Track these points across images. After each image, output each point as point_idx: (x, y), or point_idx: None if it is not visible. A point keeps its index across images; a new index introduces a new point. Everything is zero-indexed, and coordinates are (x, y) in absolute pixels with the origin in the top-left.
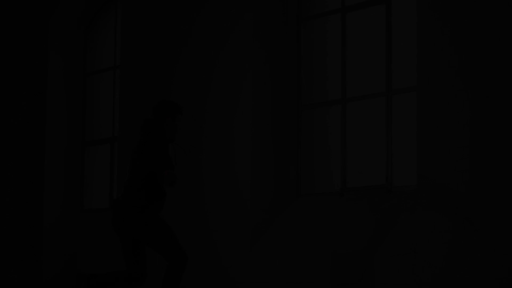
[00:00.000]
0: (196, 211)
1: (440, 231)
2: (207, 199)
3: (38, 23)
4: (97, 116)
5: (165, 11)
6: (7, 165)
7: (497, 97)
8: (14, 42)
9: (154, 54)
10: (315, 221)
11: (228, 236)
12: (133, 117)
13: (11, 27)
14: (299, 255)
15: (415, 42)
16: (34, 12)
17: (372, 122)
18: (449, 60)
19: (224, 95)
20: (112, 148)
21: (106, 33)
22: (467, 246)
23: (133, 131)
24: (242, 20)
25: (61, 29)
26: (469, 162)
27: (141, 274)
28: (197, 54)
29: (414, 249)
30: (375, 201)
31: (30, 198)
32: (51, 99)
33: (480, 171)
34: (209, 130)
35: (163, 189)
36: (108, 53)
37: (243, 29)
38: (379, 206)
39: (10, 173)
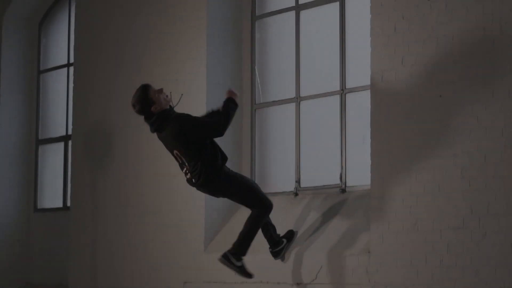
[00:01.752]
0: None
1: (393, 232)
2: (163, 197)
3: None
4: (51, 114)
5: (119, 7)
6: None
7: (449, 95)
8: None
9: (108, 50)
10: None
11: (183, 235)
12: (86, 115)
13: None
14: (253, 254)
15: (368, 41)
16: None
17: (326, 121)
18: (402, 58)
19: (178, 94)
20: (65, 146)
21: (59, 30)
22: (420, 246)
23: (86, 129)
24: (197, 20)
25: (14, 26)
26: (423, 162)
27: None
28: (150, 51)
29: (368, 249)
30: (329, 201)
31: None
32: (4, 97)
33: (432, 171)
34: None
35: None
36: (61, 50)
37: (197, 27)
38: (333, 205)
39: None
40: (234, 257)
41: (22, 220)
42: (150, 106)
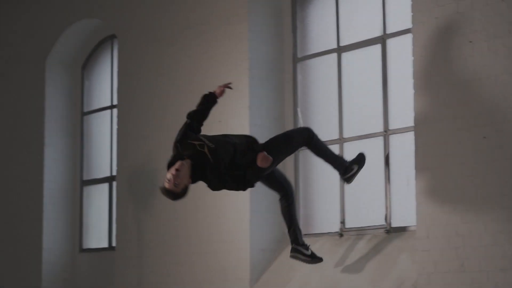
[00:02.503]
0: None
1: (439, 273)
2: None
3: (35, 61)
4: (95, 155)
5: (162, 49)
6: (8, 205)
7: (493, 136)
8: (11, 82)
9: (151, 92)
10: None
11: (229, 276)
12: (130, 156)
13: (9, 66)
14: None
15: (411, 81)
16: (31, 50)
17: (369, 162)
18: (445, 99)
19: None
20: (110, 187)
21: (102, 72)
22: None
23: (130, 170)
24: (239, 61)
25: (57, 68)
26: (468, 203)
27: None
28: (194, 93)
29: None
30: (374, 241)
31: (30, 238)
32: (49, 139)
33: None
34: None
35: None
36: (104, 92)
37: (240, 68)
38: (378, 246)
39: (11, 212)
40: (303, 247)
41: (68, 260)
42: (186, 190)
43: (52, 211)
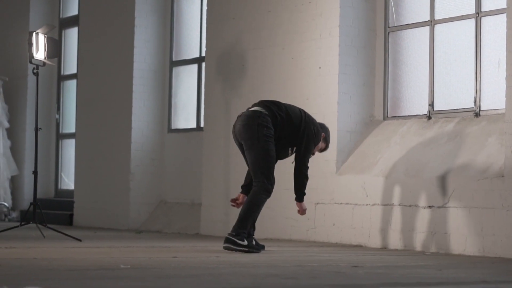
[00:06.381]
0: None
1: None
2: None
3: None
4: (185, 36)
5: None
6: (99, 86)
7: None
8: None
9: None
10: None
11: (315, 157)
12: (220, 37)
13: None
14: (385, 177)
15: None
16: None
17: (460, 44)
18: None
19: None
20: (199, 68)
21: None
22: None
23: (219, 51)
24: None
25: None
26: None
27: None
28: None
29: (502, 173)
30: (463, 124)
31: (120, 117)
32: (139, 19)
33: None
34: None
35: None
36: None
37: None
38: (467, 129)
39: (102, 92)
40: (237, 238)
41: (157, 141)
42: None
43: (142, 91)
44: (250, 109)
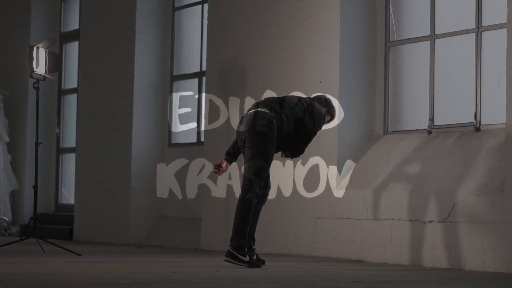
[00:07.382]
0: None
1: None
2: None
3: None
4: (185, 51)
5: None
6: (99, 100)
7: None
8: None
9: None
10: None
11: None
12: (220, 52)
13: None
14: (387, 191)
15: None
16: None
17: (461, 59)
18: None
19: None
20: (199, 82)
21: None
22: None
23: (220, 66)
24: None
25: None
26: None
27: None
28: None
29: (502, 188)
30: (463, 139)
31: (121, 132)
32: (140, 34)
33: None
34: None
35: None
36: None
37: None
38: (467, 144)
39: (101, 107)
40: (239, 252)
41: (157, 155)
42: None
43: (142, 106)
44: (255, 110)
